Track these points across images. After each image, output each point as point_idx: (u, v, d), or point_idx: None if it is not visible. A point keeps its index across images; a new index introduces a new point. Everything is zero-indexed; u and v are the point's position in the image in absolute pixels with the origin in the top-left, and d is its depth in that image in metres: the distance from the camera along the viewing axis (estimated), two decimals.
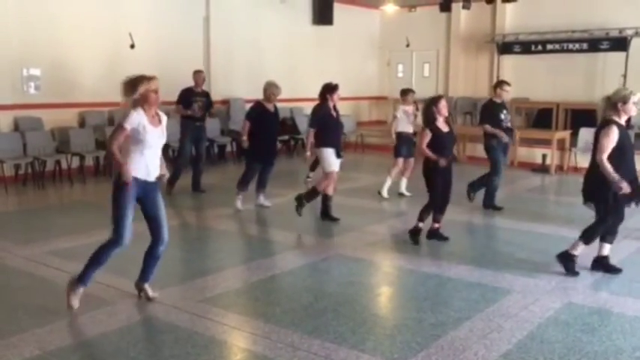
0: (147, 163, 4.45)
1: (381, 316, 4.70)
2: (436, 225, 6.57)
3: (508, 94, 8.08)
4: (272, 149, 8.16)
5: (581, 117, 12.04)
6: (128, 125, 4.35)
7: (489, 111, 7.91)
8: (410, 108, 8.90)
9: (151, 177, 4.51)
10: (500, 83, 8.07)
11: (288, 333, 4.14)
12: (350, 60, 16.04)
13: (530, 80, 14.10)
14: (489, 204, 8.05)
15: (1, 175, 9.65)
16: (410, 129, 8.83)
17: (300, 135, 13.14)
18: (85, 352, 3.92)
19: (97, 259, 4.50)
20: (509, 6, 14.36)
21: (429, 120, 6.41)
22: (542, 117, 13.61)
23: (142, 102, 4.46)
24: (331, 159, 7.24)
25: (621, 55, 12.69)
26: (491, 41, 14.77)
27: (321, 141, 7.27)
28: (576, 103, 13.00)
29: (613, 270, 5.44)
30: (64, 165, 10.06)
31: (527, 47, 14.20)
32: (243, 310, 4.77)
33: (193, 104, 8.92)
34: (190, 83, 9.15)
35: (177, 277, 5.38)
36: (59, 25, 10.36)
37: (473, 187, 8.16)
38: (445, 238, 6.55)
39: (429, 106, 6.43)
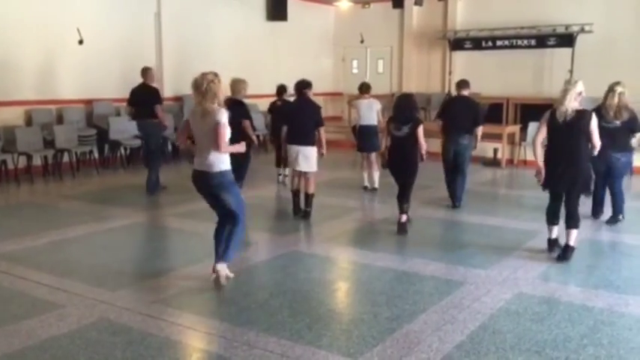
0: None
1: (337, 311, 4.71)
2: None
3: None
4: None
5: (530, 111, 12.35)
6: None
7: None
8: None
9: None
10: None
11: (244, 331, 4.11)
12: (305, 56, 16.03)
13: (481, 76, 14.31)
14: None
15: None
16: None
17: (257, 131, 13.01)
18: (34, 357, 3.79)
19: (239, 240, 5.02)
20: (460, 3, 14.62)
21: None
22: (492, 112, 13.86)
23: None
24: None
25: (568, 50, 13.07)
26: (443, 37, 15.00)
27: (313, 138, 7.24)
28: (525, 97, 13.33)
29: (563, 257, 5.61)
30: (10, 165, 9.73)
31: (477, 43, 14.48)
32: (197, 309, 4.71)
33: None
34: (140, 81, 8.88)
35: (130, 278, 5.27)
36: (4, 20, 9.99)
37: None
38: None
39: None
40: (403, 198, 6.71)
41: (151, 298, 4.75)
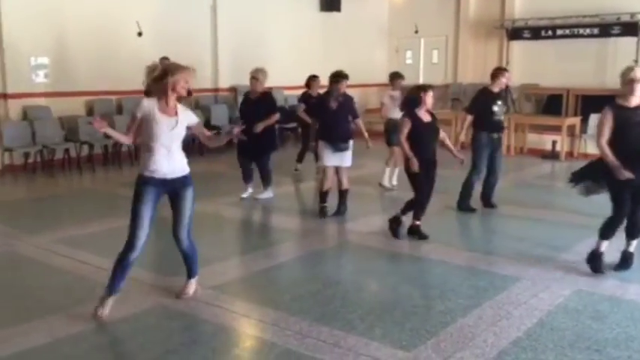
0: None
1: (390, 303, 4.68)
2: (417, 222, 6.18)
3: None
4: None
5: (591, 103, 11.90)
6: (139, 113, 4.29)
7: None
8: (397, 93, 8.51)
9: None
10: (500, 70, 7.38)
11: (297, 320, 4.14)
12: (358, 47, 15.92)
13: (540, 66, 13.96)
14: (463, 206, 7.23)
15: (11, 164, 9.75)
16: (398, 115, 8.73)
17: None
18: (95, 339, 3.94)
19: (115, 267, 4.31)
20: None
21: (410, 107, 6.03)
22: (552, 103, 13.49)
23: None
24: None
25: (632, 40, 12.53)
26: (501, 27, 14.62)
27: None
28: (587, 88, 12.86)
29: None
30: (72, 153, 10.09)
31: (536, 33, 14.04)
32: (251, 297, 4.77)
33: None
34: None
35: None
36: (67, 13, 10.35)
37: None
38: (425, 237, 6.09)
39: (415, 92, 6.03)
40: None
41: (206, 285, 4.83)
